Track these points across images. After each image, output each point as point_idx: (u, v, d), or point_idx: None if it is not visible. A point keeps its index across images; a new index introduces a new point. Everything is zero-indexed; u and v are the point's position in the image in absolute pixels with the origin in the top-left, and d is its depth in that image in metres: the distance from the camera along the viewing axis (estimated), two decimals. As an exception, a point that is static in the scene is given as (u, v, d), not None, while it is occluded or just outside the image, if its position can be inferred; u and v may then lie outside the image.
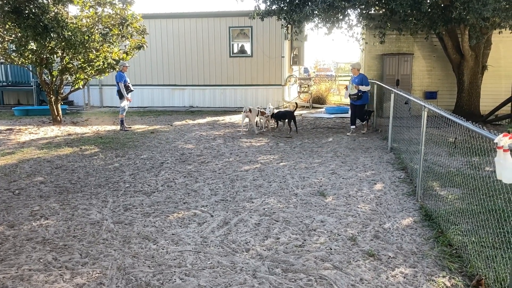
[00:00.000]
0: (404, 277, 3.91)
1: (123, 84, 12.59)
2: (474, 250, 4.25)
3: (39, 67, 13.33)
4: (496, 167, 3.08)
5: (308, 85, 19.68)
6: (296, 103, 12.63)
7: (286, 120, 12.24)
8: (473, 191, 6.15)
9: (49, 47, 12.60)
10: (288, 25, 13.56)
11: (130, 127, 13.22)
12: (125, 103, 12.85)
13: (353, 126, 11.82)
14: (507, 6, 10.27)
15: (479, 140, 4.43)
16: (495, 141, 3.10)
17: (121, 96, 12.79)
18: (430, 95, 14.80)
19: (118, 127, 13.16)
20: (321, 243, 4.66)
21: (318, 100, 19.29)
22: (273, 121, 12.66)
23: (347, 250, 4.49)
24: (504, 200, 5.20)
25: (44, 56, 13.04)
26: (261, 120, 12.54)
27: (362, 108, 11.90)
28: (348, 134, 11.68)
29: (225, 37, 17.98)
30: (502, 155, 3.01)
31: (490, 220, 4.85)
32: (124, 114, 13.06)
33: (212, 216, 5.54)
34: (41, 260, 4.29)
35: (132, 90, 13.05)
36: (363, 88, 11.39)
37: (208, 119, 15.26)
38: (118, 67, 13.13)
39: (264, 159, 8.81)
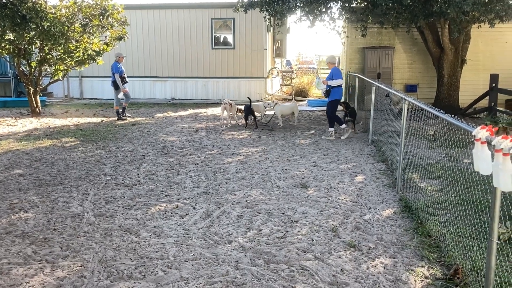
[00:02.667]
0: (384, 267, 3.97)
1: (118, 75, 12.49)
2: (452, 240, 4.34)
3: (17, 58, 13.06)
4: (473, 159, 3.14)
5: (291, 78, 19.69)
6: (248, 97, 12.22)
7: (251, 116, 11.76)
8: (451, 182, 6.27)
9: (27, 38, 12.34)
10: (271, 18, 13.53)
11: (126, 118, 13.10)
12: (120, 95, 12.77)
13: (343, 126, 10.40)
14: (486, 0, 10.42)
15: (458, 132, 4.51)
16: (473, 134, 3.16)
17: (116, 87, 12.71)
18: (410, 88, 14.97)
19: (99, 119, 13.03)
20: (303, 235, 4.71)
21: (301, 93, 19.34)
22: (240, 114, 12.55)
23: (329, 241, 4.54)
24: (481, 191, 5.32)
25: (22, 47, 12.78)
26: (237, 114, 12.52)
27: (332, 106, 10.21)
28: (329, 137, 10.26)
29: (207, 28, 17.84)
30: (480, 147, 3.06)
31: (467, 211, 4.95)
32: (122, 104, 13.09)
33: (194, 208, 5.54)
34: (21, 254, 4.23)
35: (127, 82, 12.95)
36: (332, 82, 9.94)
37: (190, 111, 15.17)
38: (115, 57, 12.92)
39: (246, 152, 8.82)
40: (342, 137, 10.31)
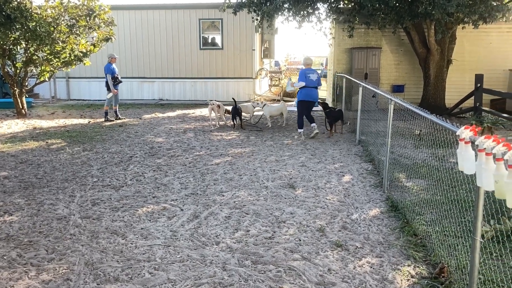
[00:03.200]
0: (371, 267, 3.99)
1: (110, 76, 12.51)
2: (438, 239, 4.38)
3: (1, 59, 12.89)
4: (458, 158, 3.17)
5: (279, 78, 19.75)
6: (233, 98, 12.24)
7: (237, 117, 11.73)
8: (437, 182, 6.33)
9: (12, 38, 12.20)
10: (258, 18, 13.54)
11: (113, 120, 13.05)
12: (111, 95, 12.80)
13: (300, 130, 10.53)
14: (470, 2, 10.55)
15: (443, 132, 4.56)
16: (457, 134, 3.19)
17: (108, 88, 12.74)
18: (397, 89, 15.08)
19: (86, 121, 12.96)
20: (291, 235, 4.71)
21: (289, 94, 19.37)
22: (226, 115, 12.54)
23: (316, 241, 4.55)
24: (465, 191, 5.37)
25: (7, 47, 12.62)
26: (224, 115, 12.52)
27: (298, 107, 10.55)
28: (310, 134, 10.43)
29: (195, 29, 17.81)
30: (464, 147, 3.10)
31: (452, 210, 5.00)
32: (112, 106, 13.15)
33: (182, 210, 5.52)
34: (5, 257, 4.18)
35: (120, 82, 13.07)
36: (296, 84, 10.45)
37: (178, 112, 15.12)
38: (108, 59, 12.92)
39: (235, 152, 8.81)
40: (292, 140, 10.11)
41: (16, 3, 11.45)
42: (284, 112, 12.27)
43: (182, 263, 4.07)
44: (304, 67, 10.60)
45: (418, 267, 3.98)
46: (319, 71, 20.33)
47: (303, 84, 10.16)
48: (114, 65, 12.79)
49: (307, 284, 3.70)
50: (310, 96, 10.26)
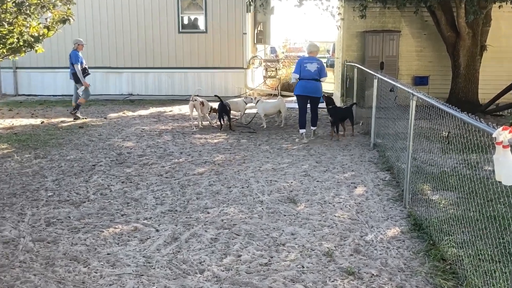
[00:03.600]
0: (390, 299, 4.02)
1: (79, 66, 12.61)
2: (471, 264, 4.41)
3: None
4: (494, 166, 3.20)
5: (276, 69, 19.82)
6: (216, 95, 12.28)
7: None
8: (469, 195, 6.37)
9: None
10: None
11: (79, 117, 13.20)
12: (83, 88, 12.98)
13: (301, 131, 10.73)
14: (508, -25, 10.66)
15: (476, 134, 4.59)
16: (493, 136, 3.22)
17: (77, 80, 12.95)
18: (420, 81, 15.16)
19: (39, 121, 12.98)
20: (291, 260, 4.73)
21: (288, 87, 19.39)
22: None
23: (322, 268, 4.57)
24: (504, 205, 5.42)
25: None
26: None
27: (296, 101, 10.99)
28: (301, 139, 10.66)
29: (173, 8, 17.83)
30: (502, 152, 3.13)
31: (489, 229, 5.04)
32: (86, 99, 13.47)
33: (157, 230, 5.52)
34: None
35: (88, 74, 13.29)
36: (292, 76, 11.05)
37: (152, 110, 15.14)
38: (73, 45, 13.13)
39: (222, 160, 8.83)
40: (292, 144, 10.29)
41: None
42: (282, 110, 12.31)
43: (158, 296, 4.08)
44: (307, 55, 10.65)
45: (447, 299, 4.01)
46: (324, 60, 20.42)
47: (296, 76, 10.42)
48: (80, 53, 12.87)
49: (312, 320, 3.71)
50: (306, 89, 10.38)
